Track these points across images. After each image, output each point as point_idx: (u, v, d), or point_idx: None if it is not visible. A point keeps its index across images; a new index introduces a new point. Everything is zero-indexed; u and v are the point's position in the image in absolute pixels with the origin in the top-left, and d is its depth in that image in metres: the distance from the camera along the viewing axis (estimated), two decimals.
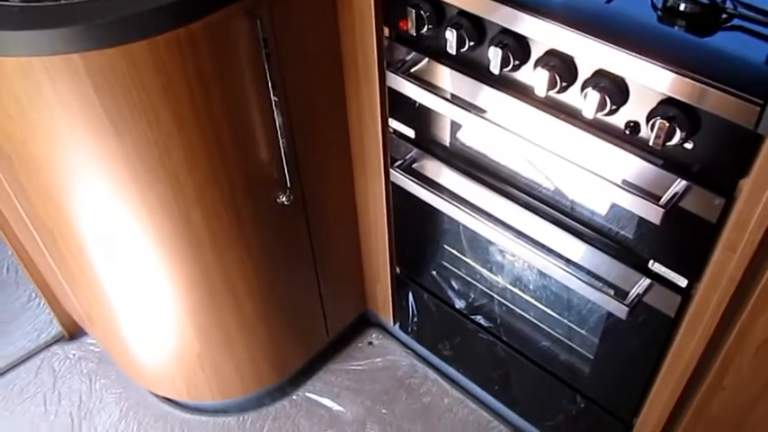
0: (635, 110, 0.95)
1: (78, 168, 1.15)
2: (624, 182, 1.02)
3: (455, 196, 1.30)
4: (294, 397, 1.91)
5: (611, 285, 1.17)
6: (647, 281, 1.11)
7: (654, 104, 0.92)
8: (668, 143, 0.91)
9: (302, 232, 1.47)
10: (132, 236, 1.27)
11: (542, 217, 1.20)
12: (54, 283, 1.83)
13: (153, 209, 1.22)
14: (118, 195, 1.19)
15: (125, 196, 1.20)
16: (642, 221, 1.04)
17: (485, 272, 1.43)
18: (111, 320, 1.56)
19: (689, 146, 0.92)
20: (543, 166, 1.16)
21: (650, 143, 0.92)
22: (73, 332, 2.20)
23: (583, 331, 1.33)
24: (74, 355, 2.19)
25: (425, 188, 1.31)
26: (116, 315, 1.52)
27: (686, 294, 1.08)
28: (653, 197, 0.97)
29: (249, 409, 1.89)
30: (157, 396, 2.00)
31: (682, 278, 1.07)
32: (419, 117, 1.28)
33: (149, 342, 1.57)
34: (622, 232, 1.12)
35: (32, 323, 2.28)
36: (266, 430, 1.85)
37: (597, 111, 0.95)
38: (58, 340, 2.22)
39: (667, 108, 0.90)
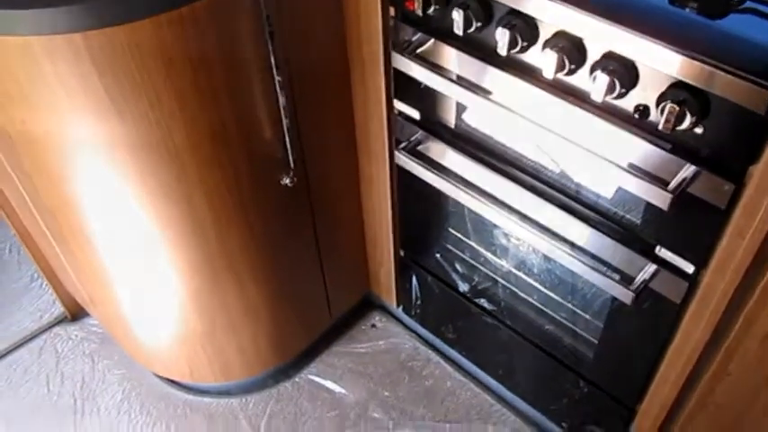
0: (644, 93, 0.93)
1: (79, 149, 1.14)
2: (632, 166, 1.00)
3: (460, 179, 1.29)
4: (297, 379, 1.91)
5: (616, 270, 1.16)
6: (654, 266, 1.10)
7: (664, 88, 0.90)
8: (678, 128, 0.90)
9: (305, 214, 1.46)
10: (133, 217, 1.26)
11: (548, 200, 1.19)
12: (56, 264, 1.83)
13: (154, 190, 1.21)
14: (118, 176, 1.18)
15: (126, 177, 1.19)
16: (649, 206, 1.03)
17: (489, 255, 1.42)
18: (113, 302, 1.56)
19: (699, 130, 0.90)
20: (550, 150, 1.15)
21: (660, 127, 0.90)
22: (75, 313, 2.20)
23: (587, 316, 1.32)
24: (76, 335, 2.19)
25: (430, 170, 1.30)
26: (118, 296, 1.52)
27: (693, 281, 1.07)
28: (661, 182, 0.96)
29: (252, 390, 1.90)
30: (160, 377, 2.00)
31: (689, 264, 1.06)
32: (424, 98, 1.27)
33: (152, 323, 1.56)
34: (629, 217, 1.10)
35: (35, 304, 2.28)
36: (269, 412, 1.85)
37: (606, 94, 0.94)
38: (60, 321, 2.22)
39: (677, 92, 0.88)
